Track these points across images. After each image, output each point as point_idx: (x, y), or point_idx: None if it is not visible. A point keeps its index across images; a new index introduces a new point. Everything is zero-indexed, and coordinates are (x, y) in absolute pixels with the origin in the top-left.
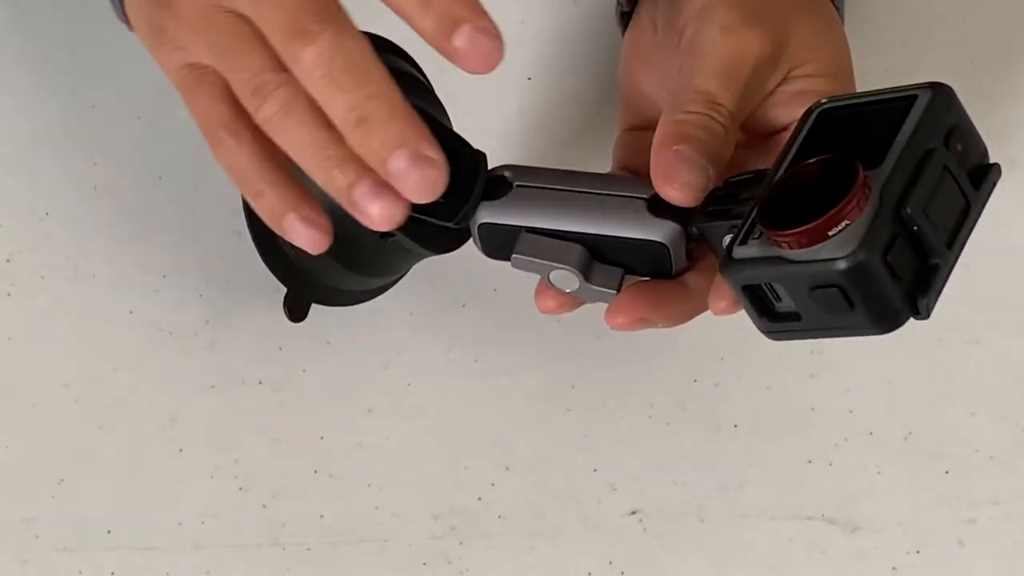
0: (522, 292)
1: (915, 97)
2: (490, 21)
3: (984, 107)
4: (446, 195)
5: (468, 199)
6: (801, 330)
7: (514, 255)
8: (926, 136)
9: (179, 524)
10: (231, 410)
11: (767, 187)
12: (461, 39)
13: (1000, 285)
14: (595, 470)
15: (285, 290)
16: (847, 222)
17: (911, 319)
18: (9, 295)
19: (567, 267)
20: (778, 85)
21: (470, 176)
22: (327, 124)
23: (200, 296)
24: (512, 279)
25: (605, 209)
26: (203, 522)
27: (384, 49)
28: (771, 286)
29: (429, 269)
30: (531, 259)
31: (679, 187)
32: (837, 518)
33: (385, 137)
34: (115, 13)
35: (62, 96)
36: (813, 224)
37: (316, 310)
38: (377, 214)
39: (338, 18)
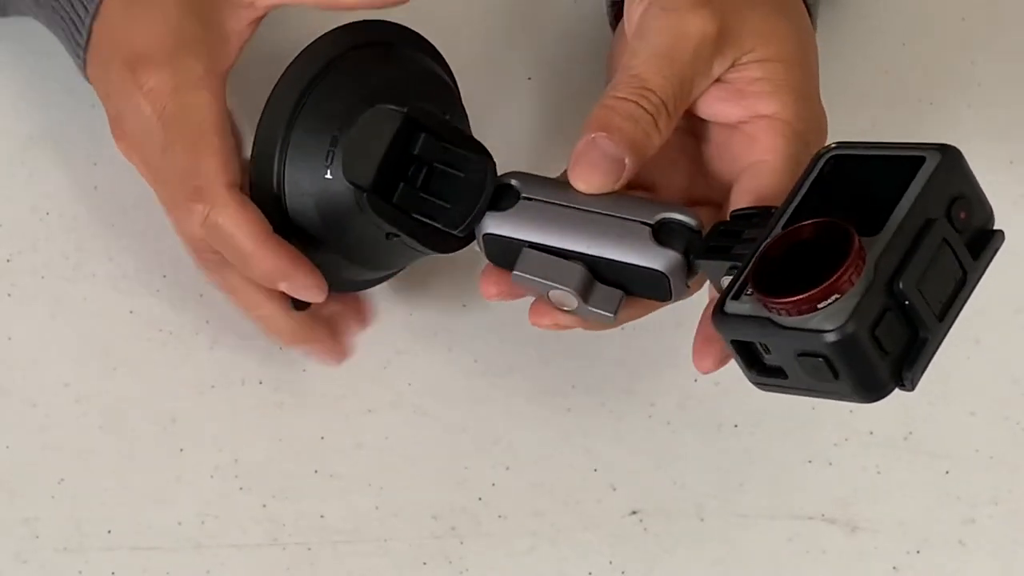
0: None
1: (923, 160)
2: None
3: (984, 107)
4: (453, 201)
5: (474, 209)
6: (788, 387)
7: (515, 272)
8: (928, 205)
9: (179, 524)
10: (231, 410)
11: (763, 244)
12: None
13: (1000, 285)
14: (595, 470)
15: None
16: (837, 296)
17: (897, 390)
18: (9, 295)
19: (566, 288)
20: (728, 71)
21: (479, 185)
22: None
23: (200, 296)
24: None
25: (609, 232)
26: (203, 522)
27: (414, 46)
28: (764, 349)
29: (429, 269)
30: (531, 277)
31: (585, 176)
32: (837, 518)
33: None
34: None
35: (62, 96)
36: (804, 296)
37: (314, 310)
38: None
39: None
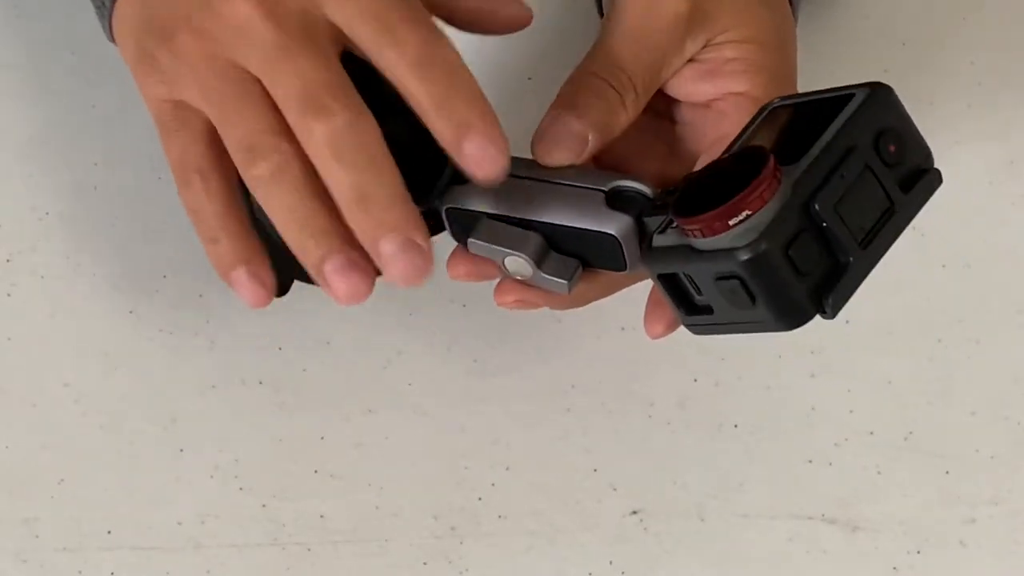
0: None
1: (852, 95)
2: (498, 130)
3: (984, 107)
4: (415, 178)
5: (436, 183)
6: (714, 323)
7: (471, 239)
8: (852, 135)
9: (179, 524)
10: (231, 410)
11: (686, 179)
12: (471, 146)
13: (1000, 285)
14: (595, 470)
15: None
16: (748, 212)
17: (818, 317)
18: (9, 295)
19: (520, 254)
20: (702, 51)
21: (441, 160)
22: (315, 194)
23: (200, 296)
24: None
25: (563, 199)
26: (203, 522)
27: None
28: (689, 277)
29: None
30: (487, 244)
31: (546, 150)
32: (837, 518)
33: (382, 218)
34: (101, 25)
35: (62, 96)
36: (715, 211)
37: (317, 311)
38: (343, 291)
39: (354, 99)
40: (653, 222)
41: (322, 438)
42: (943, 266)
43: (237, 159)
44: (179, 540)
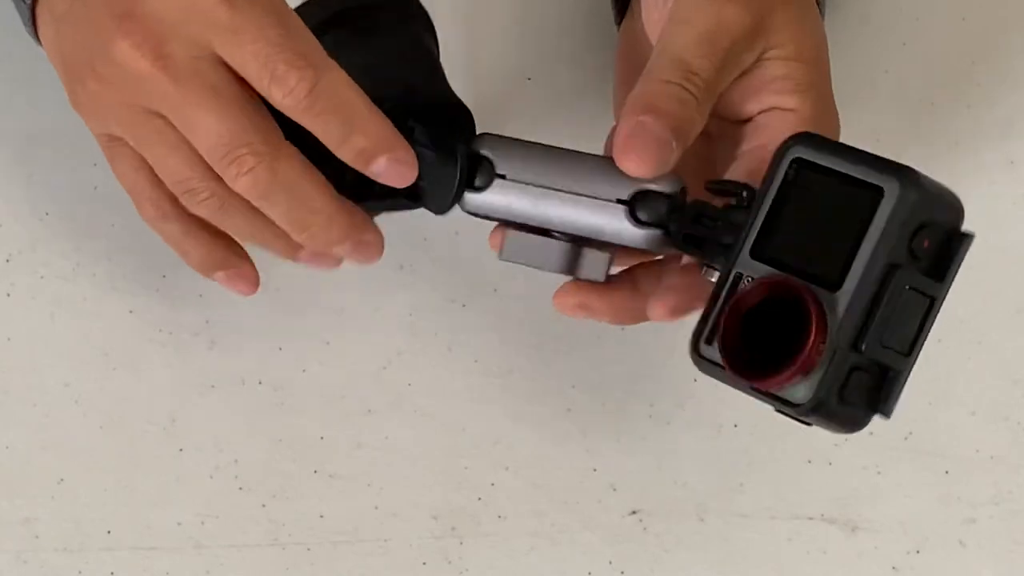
0: (522, 292)
1: (881, 192)
2: (398, 143)
3: (984, 107)
4: (428, 179)
5: (450, 191)
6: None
7: (501, 257)
8: (889, 251)
9: (179, 524)
10: (231, 410)
11: (726, 295)
12: (378, 168)
13: (1000, 285)
14: (595, 470)
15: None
16: (800, 377)
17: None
18: (9, 295)
19: (552, 271)
20: (753, 64)
21: (451, 171)
22: (259, 213)
23: (200, 296)
24: (512, 279)
25: (584, 213)
26: (203, 522)
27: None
28: None
29: (429, 269)
30: (518, 263)
31: (636, 161)
32: (837, 518)
33: (326, 238)
34: (24, 26)
35: (62, 96)
36: (769, 382)
37: (317, 311)
38: (322, 268)
39: (266, 139)
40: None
41: (322, 438)
42: None
43: (179, 197)
44: (179, 540)
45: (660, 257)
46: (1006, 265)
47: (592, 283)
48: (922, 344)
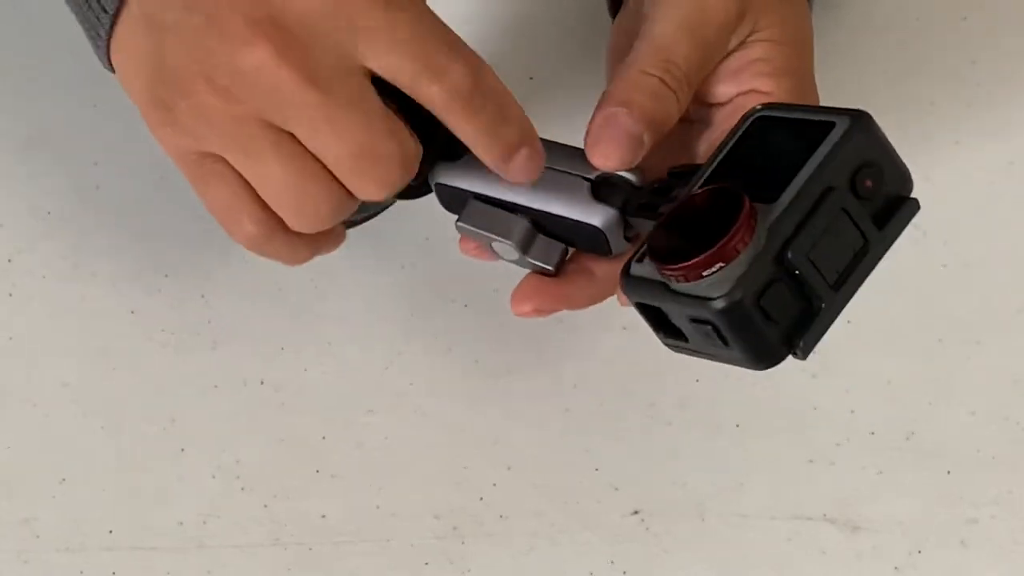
0: None
1: (832, 125)
2: (539, 143)
3: (984, 107)
4: None
5: (427, 161)
6: (691, 350)
7: (458, 222)
8: (829, 174)
9: (180, 524)
10: (232, 410)
11: (667, 213)
12: (518, 161)
13: (1000, 285)
14: (596, 470)
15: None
16: (721, 264)
17: (791, 358)
18: (9, 295)
19: (506, 241)
20: (736, 48)
21: (431, 132)
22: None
23: (201, 296)
24: (512, 279)
25: (549, 187)
26: (204, 522)
27: None
28: (666, 313)
29: (429, 269)
30: (474, 229)
31: (604, 153)
32: (837, 518)
33: None
34: (93, 49)
35: (62, 96)
36: (690, 263)
37: (318, 311)
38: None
39: (401, 146)
40: (638, 223)
41: (323, 438)
42: (943, 266)
43: (291, 219)
44: (180, 540)
45: None
46: (1006, 265)
47: (546, 277)
48: (853, 288)
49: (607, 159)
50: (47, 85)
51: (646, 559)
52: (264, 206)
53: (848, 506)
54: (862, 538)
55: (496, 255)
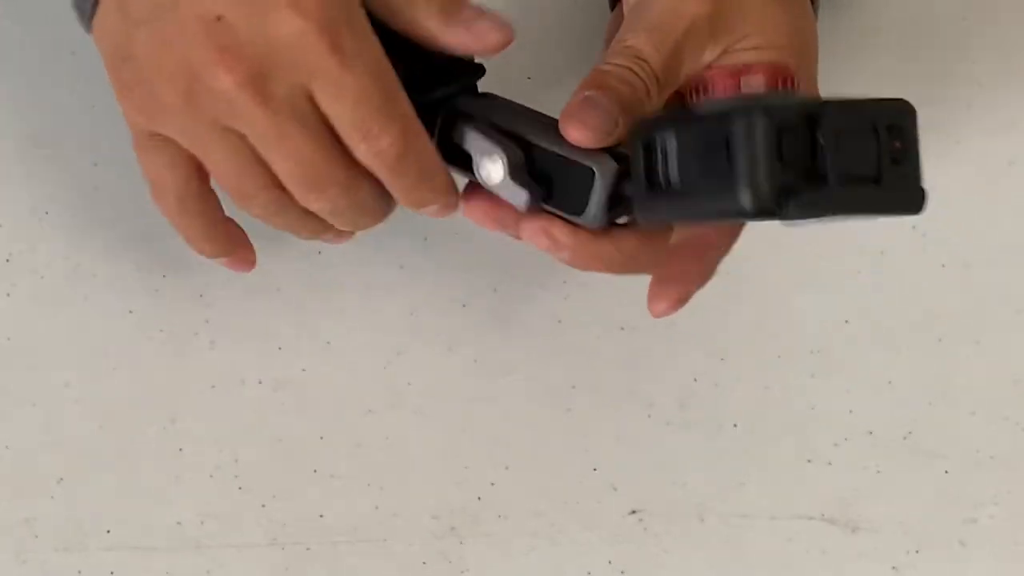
0: (522, 292)
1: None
2: (455, 199)
3: (984, 107)
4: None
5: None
6: (670, 205)
7: (461, 129)
8: (880, 110)
9: (179, 524)
10: (231, 410)
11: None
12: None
13: (1000, 285)
14: (595, 470)
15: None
16: (761, 86)
17: (774, 219)
18: (9, 295)
19: (499, 153)
20: (719, 58)
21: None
22: (311, 214)
23: (200, 296)
24: (512, 279)
25: (552, 130)
26: (203, 522)
27: None
28: (665, 153)
29: (429, 269)
30: (475, 136)
31: (579, 127)
32: (837, 518)
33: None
34: (79, 21)
35: (62, 96)
36: (734, 69)
37: (317, 311)
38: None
39: (346, 170)
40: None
41: (322, 438)
42: (943, 266)
43: (232, 197)
44: (179, 540)
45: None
46: (1006, 265)
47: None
48: (853, 204)
49: (582, 134)
50: (47, 85)
51: (645, 559)
52: (189, 187)
53: (847, 506)
54: (861, 538)
55: (478, 179)
